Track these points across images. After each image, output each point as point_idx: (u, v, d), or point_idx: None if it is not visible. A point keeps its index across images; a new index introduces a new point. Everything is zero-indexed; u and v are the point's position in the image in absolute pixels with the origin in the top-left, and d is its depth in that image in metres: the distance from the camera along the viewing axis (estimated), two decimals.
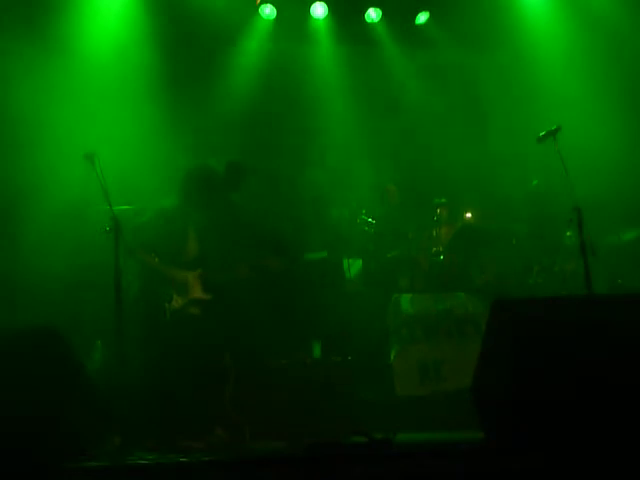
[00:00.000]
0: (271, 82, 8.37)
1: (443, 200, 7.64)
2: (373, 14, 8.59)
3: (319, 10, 8.44)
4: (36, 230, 6.20)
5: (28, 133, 6.41)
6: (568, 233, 7.13)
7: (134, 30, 7.49)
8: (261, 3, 8.27)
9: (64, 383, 4.32)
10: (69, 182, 6.20)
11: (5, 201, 6.20)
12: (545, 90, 8.04)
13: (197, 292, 5.74)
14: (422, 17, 8.65)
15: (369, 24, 8.65)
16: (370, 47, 8.67)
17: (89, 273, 6.08)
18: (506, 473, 3.81)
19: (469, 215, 7.58)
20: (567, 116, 6.58)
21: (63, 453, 4.23)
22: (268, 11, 8.31)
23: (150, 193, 6.05)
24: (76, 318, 5.99)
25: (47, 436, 4.16)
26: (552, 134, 5.69)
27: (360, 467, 4.06)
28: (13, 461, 3.97)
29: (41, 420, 4.11)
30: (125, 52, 7.36)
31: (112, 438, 5.04)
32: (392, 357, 6.43)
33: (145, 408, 5.33)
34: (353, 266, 7.27)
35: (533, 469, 3.77)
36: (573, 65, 7.92)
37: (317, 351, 6.33)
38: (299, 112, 8.57)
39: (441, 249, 7.19)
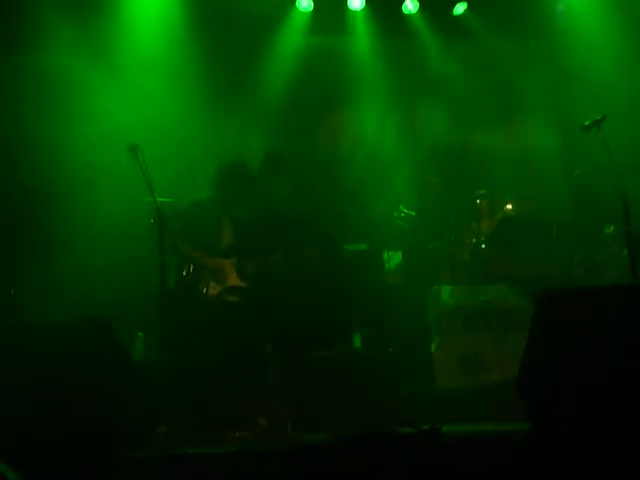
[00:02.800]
0: (309, 74, 8.35)
1: (483, 191, 7.59)
2: (410, 5, 8.51)
3: (356, 2, 8.39)
4: (80, 222, 6.27)
5: (73, 126, 6.47)
6: (609, 225, 7.06)
7: (174, 24, 7.53)
8: None
9: (113, 372, 4.38)
10: (114, 174, 6.26)
11: (52, 193, 6.27)
12: (588, 78, 7.93)
13: (233, 279, 5.79)
14: (460, 8, 8.57)
15: (406, 15, 8.59)
16: (408, 39, 8.62)
17: (132, 265, 6.14)
18: (552, 464, 3.78)
19: (510, 206, 7.51)
20: (611, 105, 6.50)
21: (112, 442, 4.29)
22: (305, 4, 8.29)
23: (192, 185, 6.08)
24: (118, 309, 6.03)
25: (97, 425, 4.21)
26: (597, 124, 5.61)
27: (407, 458, 4.06)
28: (64, 449, 4.03)
29: (92, 409, 4.17)
30: (166, 46, 7.39)
31: (157, 428, 5.09)
32: (433, 349, 6.43)
33: (188, 398, 5.36)
34: (393, 258, 7.27)
35: (580, 460, 3.75)
36: (617, 52, 7.79)
37: (358, 342, 6.34)
38: (336, 104, 8.57)
39: (482, 239, 7.15)
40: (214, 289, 5.69)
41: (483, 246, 7.10)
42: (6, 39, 6.51)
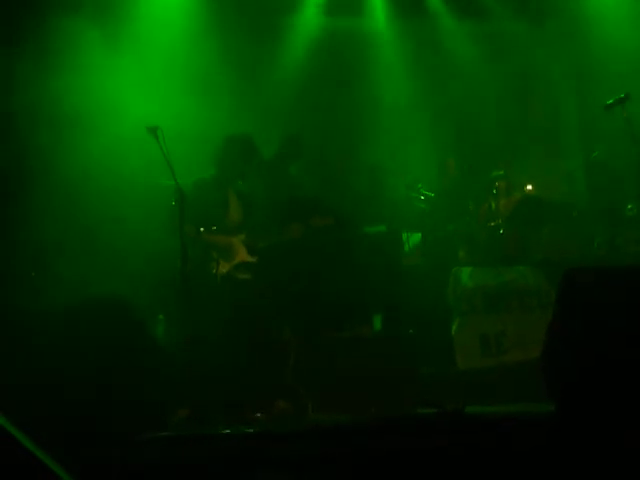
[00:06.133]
0: (327, 55, 8.35)
1: (501, 172, 7.59)
2: None
3: None
4: (102, 204, 6.28)
5: (93, 108, 6.47)
6: (630, 206, 7.01)
7: (193, 7, 7.55)
8: None
9: (137, 355, 4.40)
10: (133, 156, 6.26)
11: (72, 176, 6.27)
12: (609, 57, 7.85)
13: (242, 256, 5.76)
14: None
15: None
16: (425, 18, 8.58)
17: (152, 247, 6.13)
18: (577, 445, 3.77)
19: (530, 187, 7.48)
20: (634, 83, 6.43)
21: (135, 424, 4.31)
22: None
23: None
24: (139, 292, 6.03)
25: (120, 407, 4.23)
26: (620, 102, 5.55)
27: (429, 439, 4.05)
28: (87, 431, 4.06)
29: (116, 391, 4.19)
30: (184, 28, 7.41)
31: (179, 410, 5.11)
32: (453, 330, 6.42)
33: (209, 381, 5.37)
34: (412, 239, 7.25)
35: (605, 441, 3.73)
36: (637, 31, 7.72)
37: (378, 324, 6.32)
38: (354, 84, 8.55)
39: (500, 222, 7.13)
40: (223, 267, 5.65)
41: (501, 231, 7.08)
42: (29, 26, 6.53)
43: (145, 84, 6.77)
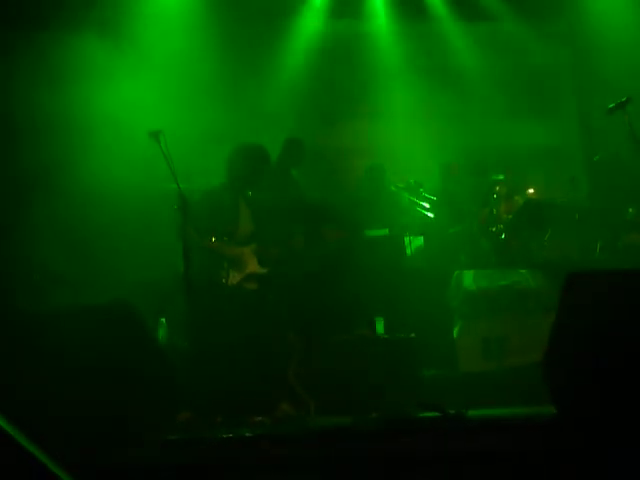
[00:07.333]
0: (329, 58, 8.37)
1: (501, 177, 7.59)
2: None
3: None
4: (105, 208, 6.30)
5: (94, 114, 6.49)
6: (630, 209, 7.01)
7: (194, 10, 7.56)
8: None
9: (140, 357, 4.41)
10: (136, 161, 6.27)
11: (74, 181, 6.29)
12: (610, 61, 7.86)
13: (253, 267, 5.74)
14: None
15: None
16: (427, 21, 8.60)
17: (154, 251, 6.15)
18: (578, 449, 3.76)
19: (531, 191, 7.49)
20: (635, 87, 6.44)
21: (135, 425, 4.32)
22: None
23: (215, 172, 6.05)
24: (141, 296, 6.04)
25: (122, 409, 4.24)
26: (622, 106, 5.56)
27: (431, 442, 4.05)
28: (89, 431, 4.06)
29: (113, 393, 4.20)
30: (185, 33, 7.43)
31: (182, 413, 5.11)
32: (455, 333, 6.42)
33: (212, 384, 5.37)
34: (414, 243, 7.25)
35: (605, 444, 3.72)
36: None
37: (380, 327, 6.32)
38: (356, 87, 8.57)
39: (501, 227, 7.12)
40: (234, 278, 5.63)
41: (503, 236, 7.07)
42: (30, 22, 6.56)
43: (147, 91, 6.78)
